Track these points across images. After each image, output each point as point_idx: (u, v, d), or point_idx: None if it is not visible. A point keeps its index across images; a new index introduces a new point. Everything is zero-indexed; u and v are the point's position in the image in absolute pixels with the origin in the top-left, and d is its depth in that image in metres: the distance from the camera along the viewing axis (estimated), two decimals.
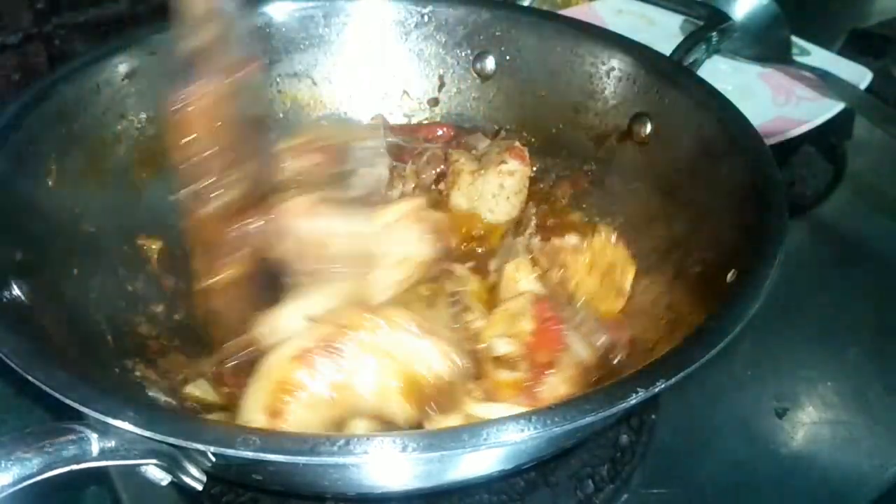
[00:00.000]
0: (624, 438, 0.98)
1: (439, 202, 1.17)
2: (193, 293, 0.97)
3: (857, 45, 1.76)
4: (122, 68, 1.10)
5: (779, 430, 1.01)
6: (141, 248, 1.08)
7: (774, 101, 1.49)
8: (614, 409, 0.64)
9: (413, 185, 1.18)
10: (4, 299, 0.77)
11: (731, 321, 0.72)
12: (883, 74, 1.58)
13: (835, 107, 1.42)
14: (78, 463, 0.60)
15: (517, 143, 1.17)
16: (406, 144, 1.22)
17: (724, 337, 0.70)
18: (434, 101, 1.31)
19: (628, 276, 1.04)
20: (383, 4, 1.27)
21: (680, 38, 1.18)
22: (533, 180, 1.19)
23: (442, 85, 1.30)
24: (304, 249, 0.91)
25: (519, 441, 0.61)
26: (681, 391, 1.04)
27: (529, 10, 1.31)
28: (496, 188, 1.14)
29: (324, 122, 1.25)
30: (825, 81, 1.46)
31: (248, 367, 0.88)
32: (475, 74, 1.28)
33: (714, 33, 1.17)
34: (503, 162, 1.14)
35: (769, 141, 0.99)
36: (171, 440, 0.61)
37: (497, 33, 1.25)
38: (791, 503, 0.93)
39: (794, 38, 1.58)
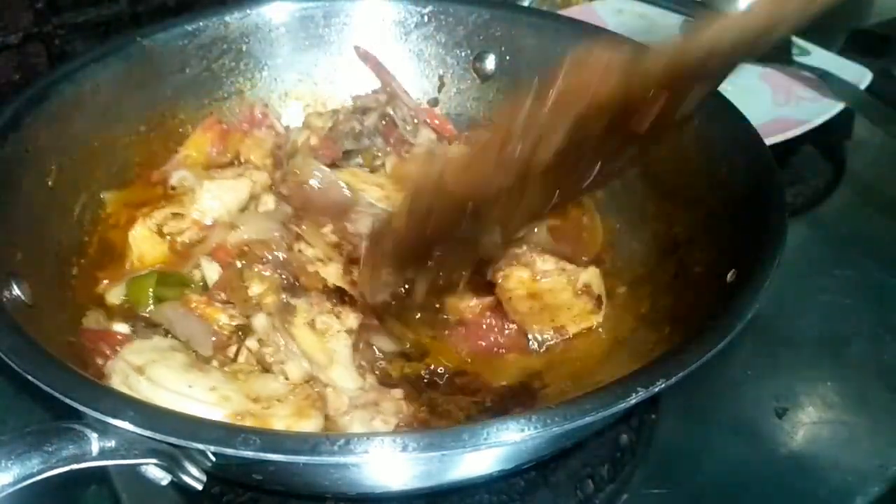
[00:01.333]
0: (624, 438, 0.97)
1: None
2: None
3: (857, 45, 1.75)
4: (122, 68, 1.10)
5: (779, 430, 1.01)
6: None
7: (774, 101, 1.48)
8: (614, 409, 0.64)
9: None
10: (4, 299, 0.77)
11: (731, 321, 0.72)
12: (883, 74, 1.57)
13: (835, 107, 1.42)
14: (78, 463, 0.60)
15: None
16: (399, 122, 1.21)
17: (724, 337, 0.70)
18: (434, 101, 1.31)
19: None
20: (383, 4, 1.27)
21: None
22: None
23: (442, 85, 1.30)
24: None
25: (519, 441, 0.61)
26: (681, 391, 1.03)
27: (529, 10, 1.31)
28: None
29: None
30: (825, 81, 1.46)
31: None
32: (475, 74, 1.28)
33: None
34: None
35: (769, 141, 0.99)
36: (172, 440, 0.61)
37: (497, 33, 1.25)
38: (791, 503, 0.94)
39: (794, 38, 1.58)
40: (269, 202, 1.04)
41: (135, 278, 0.95)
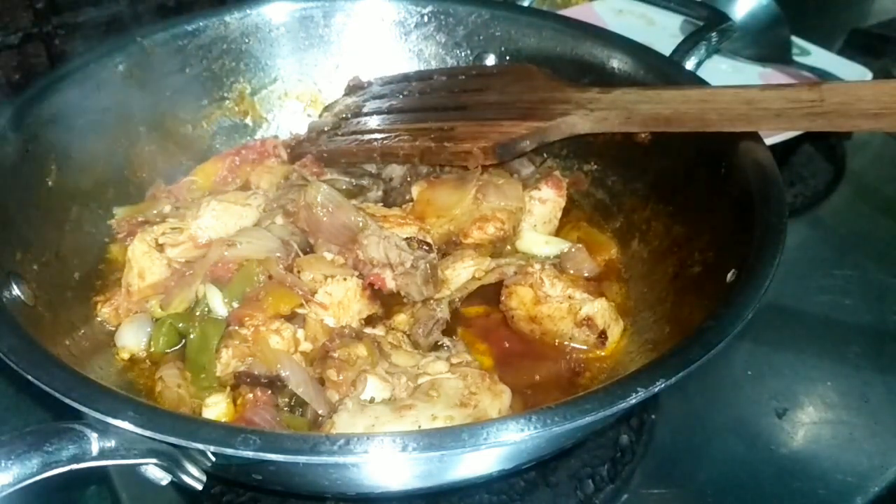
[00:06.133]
0: (624, 438, 0.98)
1: None
2: None
3: (857, 45, 1.76)
4: (122, 68, 1.10)
5: (779, 430, 1.01)
6: None
7: None
8: (614, 409, 0.64)
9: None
10: (4, 299, 0.77)
11: (731, 321, 0.72)
12: (883, 74, 1.58)
13: None
14: (78, 463, 0.60)
15: (556, 173, 1.13)
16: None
17: (724, 337, 0.70)
18: None
19: None
20: (383, 4, 1.27)
21: (680, 38, 1.18)
22: None
23: None
24: None
25: (519, 441, 0.61)
26: (681, 391, 1.04)
27: (529, 10, 1.30)
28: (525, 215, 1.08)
29: None
30: None
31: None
32: None
33: (714, 34, 1.17)
34: (536, 188, 1.09)
35: (769, 141, 0.98)
36: (172, 439, 0.61)
37: (497, 33, 1.25)
38: (791, 503, 0.94)
39: (794, 38, 1.58)
40: (276, 220, 1.02)
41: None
